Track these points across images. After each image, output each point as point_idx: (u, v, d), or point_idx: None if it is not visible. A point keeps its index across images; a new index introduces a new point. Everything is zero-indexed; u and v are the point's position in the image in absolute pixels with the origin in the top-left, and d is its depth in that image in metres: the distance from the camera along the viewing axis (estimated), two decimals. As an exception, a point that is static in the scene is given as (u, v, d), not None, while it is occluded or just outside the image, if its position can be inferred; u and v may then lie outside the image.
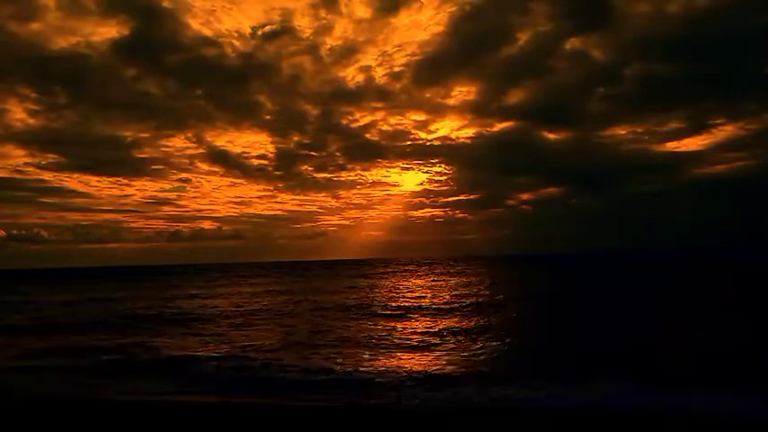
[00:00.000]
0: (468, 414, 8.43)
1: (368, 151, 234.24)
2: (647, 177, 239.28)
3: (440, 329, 17.10)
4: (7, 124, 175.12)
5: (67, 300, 35.84)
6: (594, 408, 8.44)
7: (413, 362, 12.47)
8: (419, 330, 17.19)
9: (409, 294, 30.60)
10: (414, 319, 20.29)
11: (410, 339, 15.51)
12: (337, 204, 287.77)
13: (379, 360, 12.81)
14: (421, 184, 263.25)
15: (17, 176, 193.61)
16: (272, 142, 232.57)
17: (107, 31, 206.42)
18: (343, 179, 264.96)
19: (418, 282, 41.72)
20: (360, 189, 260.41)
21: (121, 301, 32.52)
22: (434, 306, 24.14)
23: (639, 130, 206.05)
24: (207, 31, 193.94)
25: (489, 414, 8.43)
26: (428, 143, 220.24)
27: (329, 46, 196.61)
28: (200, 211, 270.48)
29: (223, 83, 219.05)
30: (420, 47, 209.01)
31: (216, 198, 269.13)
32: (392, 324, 18.87)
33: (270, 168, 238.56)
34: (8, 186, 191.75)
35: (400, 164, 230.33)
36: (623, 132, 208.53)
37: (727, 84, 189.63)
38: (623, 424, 7.81)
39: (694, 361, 11.39)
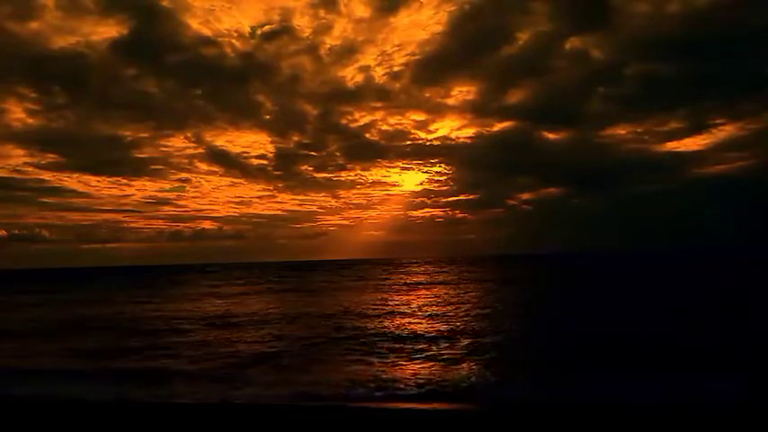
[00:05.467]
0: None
1: (368, 151, 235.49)
2: (647, 177, 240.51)
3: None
4: (7, 124, 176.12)
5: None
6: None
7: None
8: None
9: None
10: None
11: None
12: (337, 204, 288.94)
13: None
14: (421, 183, 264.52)
15: (17, 176, 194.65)
16: (271, 142, 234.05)
17: (106, 31, 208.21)
18: (343, 179, 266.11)
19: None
20: (360, 189, 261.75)
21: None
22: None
23: (639, 130, 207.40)
24: (206, 31, 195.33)
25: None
26: (428, 143, 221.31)
27: (329, 46, 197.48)
28: (200, 211, 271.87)
29: (223, 83, 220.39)
30: (420, 46, 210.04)
31: (216, 198, 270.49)
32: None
33: (270, 168, 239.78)
34: (8, 186, 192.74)
35: (400, 164, 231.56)
36: (623, 132, 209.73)
37: (727, 84, 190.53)
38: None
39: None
